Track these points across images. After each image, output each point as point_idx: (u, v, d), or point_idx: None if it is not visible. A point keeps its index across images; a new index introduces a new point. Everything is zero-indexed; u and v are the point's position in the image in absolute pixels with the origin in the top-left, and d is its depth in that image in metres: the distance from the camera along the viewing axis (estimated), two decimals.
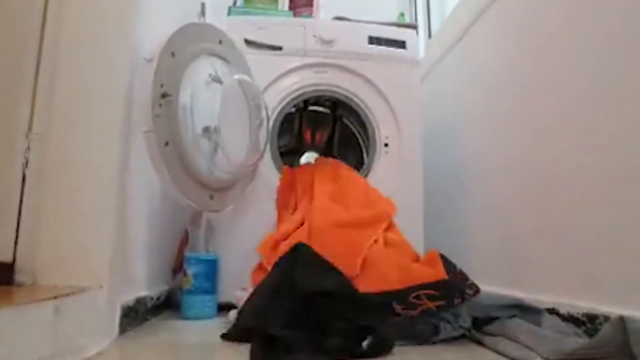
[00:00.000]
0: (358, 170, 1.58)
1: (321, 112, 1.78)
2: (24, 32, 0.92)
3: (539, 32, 1.27)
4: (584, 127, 1.07)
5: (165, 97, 1.07)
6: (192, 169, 1.16)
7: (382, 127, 1.55)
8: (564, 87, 1.15)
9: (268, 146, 1.46)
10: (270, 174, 1.49)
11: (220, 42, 1.32)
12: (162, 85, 1.06)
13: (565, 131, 1.14)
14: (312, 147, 1.92)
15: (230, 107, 1.31)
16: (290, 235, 1.25)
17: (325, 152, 1.87)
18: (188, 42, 1.18)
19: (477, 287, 1.04)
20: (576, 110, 1.10)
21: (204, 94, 1.21)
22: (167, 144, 1.08)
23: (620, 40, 0.97)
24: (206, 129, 1.21)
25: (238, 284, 1.36)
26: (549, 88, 1.21)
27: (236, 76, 1.35)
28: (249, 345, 0.84)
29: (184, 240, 1.60)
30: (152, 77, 1.05)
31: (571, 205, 1.10)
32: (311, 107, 1.75)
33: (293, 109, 1.66)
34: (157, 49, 1.07)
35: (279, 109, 1.51)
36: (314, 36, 1.57)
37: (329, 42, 1.57)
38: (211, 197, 1.25)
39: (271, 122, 1.48)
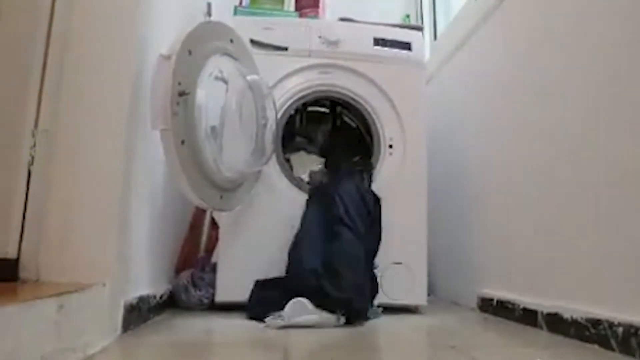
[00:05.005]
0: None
1: (320, 112, 1.77)
2: (31, 29, 0.92)
3: (545, 35, 1.26)
4: (587, 128, 1.06)
5: (183, 96, 1.06)
6: (205, 168, 1.16)
7: (387, 128, 1.55)
8: (570, 90, 1.15)
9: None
10: (274, 175, 1.48)
11: (231, 40, 1.32)
12: (180, 84, 1.05)
13: (569, 133, 1.13)
14: (313, 146, 1.89)
15: (239, 107, 1.31)
16: None
17: (326, 151, 1.86)
18: (203, 41, 1.17)
19: None
20: (580, 113, 1.10)
21: (212, 93, 1.21)
22: (183, 142, 1.08)
23: (628, 43, 0.96)
24: (213, 128, 1.21)
25: (238, 286, 1.37)
26: (554, 90, 1.21)
27: (249, 77, 1.35)
28: (250, 344, 0.84)
29: (188, 239, 1.61)
30: (170, 74, 1.03)
31: (575, 209, 1.10)
32: (310, 108, 1.74)
33: (293, 112, 1.67)
34: (174, 46, 1.06)
35: (283, 109, 1.51)
36: (320, 37, 1.56)
37: (335, 43, 1.56)
38: (221, 197, 1.26)
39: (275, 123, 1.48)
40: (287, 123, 1.55)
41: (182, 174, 1.08)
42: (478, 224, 1.61)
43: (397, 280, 1.45)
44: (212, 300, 1.41)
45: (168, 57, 1.04)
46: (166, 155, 1.06)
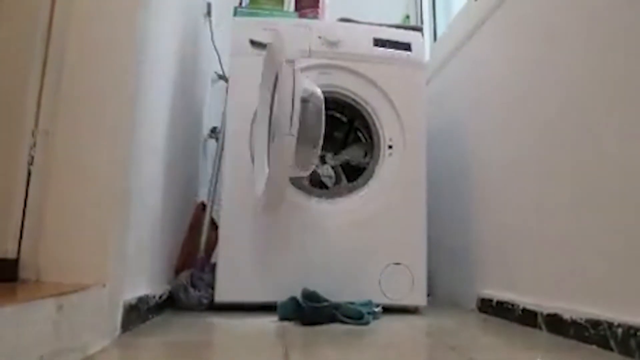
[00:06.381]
0: (361, 171, 1.58)
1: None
2: (31, 29, 0.92)
3: (545, 35, 1.26)
4: (587, 129, 1.06)
5: (305, 103, 1.18)
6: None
7: (387, 129, 1.55)
8: (569, 91, 1.15)
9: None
10: None
11: None
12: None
13: (568, 133, 1.13)
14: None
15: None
16: None
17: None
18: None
19: None
20: (579, 113, 1.10)
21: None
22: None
23: (627, 43, 0.97)
24: None
25: (237, 286, 1.37)
26: (553, 91, 1.21)
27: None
28: (249, 343, 0.84)
29: (187, 240, 1.61)
30: (299, 80, 1.16)
31: (574, 209, 1.10)
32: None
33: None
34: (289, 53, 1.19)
35: None
36: (319, 37, 1.56)
37: (334, 44, 1.57)
38: None
39: None
40: None
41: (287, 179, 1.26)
42: (478, 225, 1.61)
43: (396, 281, 1.45)
44: (211, 300, 1.41)
45: (291, 62, 1.16)
46: (283, 158, 1.16)
